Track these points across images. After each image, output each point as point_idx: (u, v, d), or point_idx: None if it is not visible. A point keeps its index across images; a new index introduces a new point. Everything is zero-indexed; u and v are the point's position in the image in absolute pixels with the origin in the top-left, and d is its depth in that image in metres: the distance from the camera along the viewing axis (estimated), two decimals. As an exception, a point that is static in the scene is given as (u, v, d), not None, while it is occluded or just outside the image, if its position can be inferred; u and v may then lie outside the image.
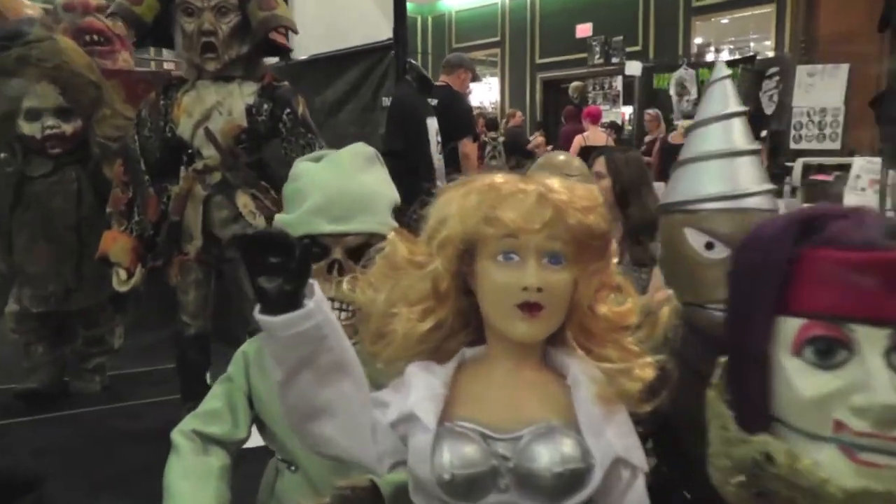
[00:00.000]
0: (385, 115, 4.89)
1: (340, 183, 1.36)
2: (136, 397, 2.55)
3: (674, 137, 7.78)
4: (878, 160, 7.01)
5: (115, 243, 2.17)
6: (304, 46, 5.14)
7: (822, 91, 8.55)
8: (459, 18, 11.23)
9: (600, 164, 2.83)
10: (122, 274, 2.17)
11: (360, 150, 1.46)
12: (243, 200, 2.19)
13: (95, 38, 3.22)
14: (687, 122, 7.80)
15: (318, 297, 0.95)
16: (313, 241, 1.31)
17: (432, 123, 5.26)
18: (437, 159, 5.27)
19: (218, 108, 2.15)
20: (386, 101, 4.98)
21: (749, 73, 8.82)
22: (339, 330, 0.98)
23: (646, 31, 9.89)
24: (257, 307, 0.95)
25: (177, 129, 2.15)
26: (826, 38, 8.70)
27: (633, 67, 9.30)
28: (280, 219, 1.35)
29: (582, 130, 8.76)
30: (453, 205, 1.03)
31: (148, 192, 2.20)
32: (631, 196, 2.72)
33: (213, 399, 1.40)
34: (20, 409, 2.45)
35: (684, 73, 9.42)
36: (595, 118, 8.91)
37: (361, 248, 1.31)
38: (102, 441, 2.28)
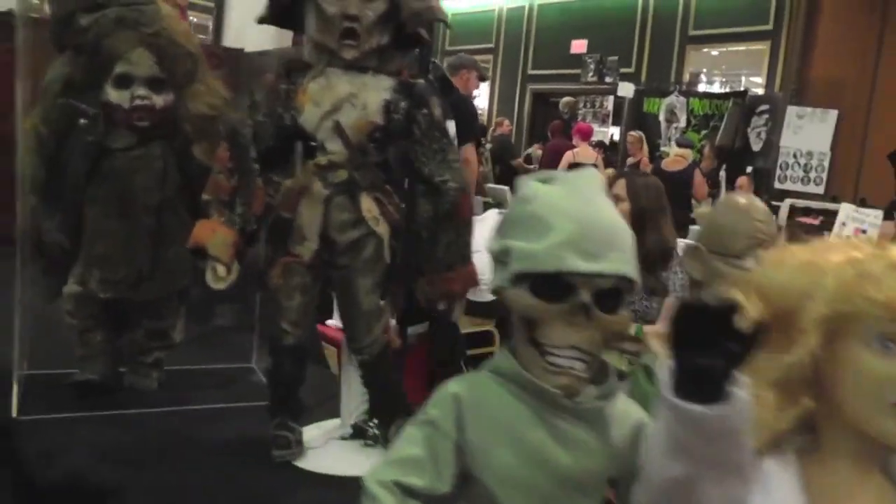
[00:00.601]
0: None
1: (589, 213, 1.15)
2: (200, 400, 2.27)
3: (667, 164, 7.70)
4: (866, 210, 7.07)
5: (214, 235, 1.91)
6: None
7: (810, 134, 8.62)
8: (454, 22, 11.02)
9: (620, 187, 2.75)
10: (221, 270, 1.92)
11: (594, 176, 1.26)
12: (367, 204, 1.95)
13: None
14: (678, 150, 7.83)
15: (741, 381, 0.75)
16: (557, 278, 1.11)
17: (451, 126, 5.07)
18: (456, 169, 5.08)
19: (351, 100, 1.89)
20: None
21: (739, 107, 8.85)
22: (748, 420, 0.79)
23: (640, 53, 9.84)
24: (667, 386, 0.74)
25: (299, 117, 1.90)
26: (817, 81, 8.77)
27: (626, 89, 9.24)
28: (521, 250, 1.14)
29: (569, 146, 8.69)
30: (815, 277, 0.86)
31: (255, 183, 1.95)
32: (648, 222, 2.63)
33: (412, 445, 1.17)
34: (73, 402, 2.15)
35: (675, 100, 9.42)
36: (586, 135, 8.83)
37: (610, 293, 1.12)
38: (172, 448, 2.01)
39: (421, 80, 2.05)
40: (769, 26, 8.94)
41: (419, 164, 1.98)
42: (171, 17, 2.10)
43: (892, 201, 5.86)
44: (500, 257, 1.18)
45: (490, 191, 7.23)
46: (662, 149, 9.34)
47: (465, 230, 2.02)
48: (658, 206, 2.73)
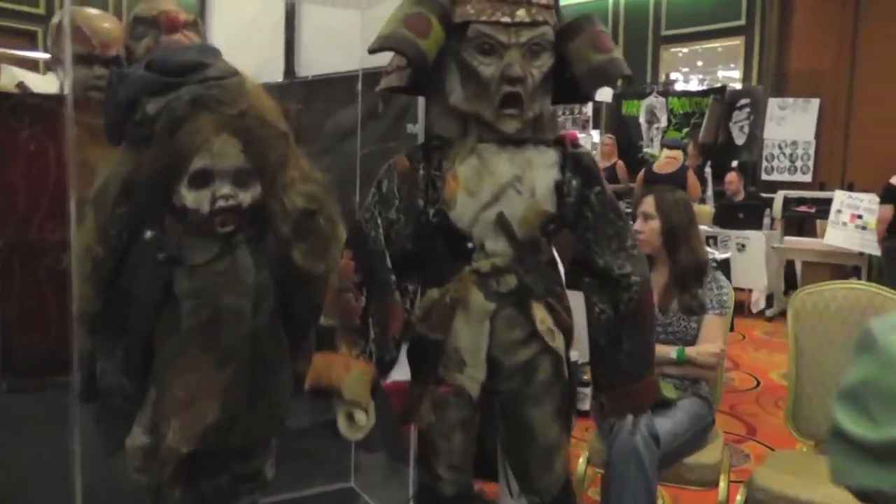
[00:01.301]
0: (412, 143, 4.24)
1: None
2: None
3: (659, 167, 7.35)
4: (860, 196, 6.86)
5: (349, 374, 1.42)
6: (313, 63, 4.43)
7: (793, 124, 8.41)
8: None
9: (648, 205, 2.57)
10: (361, 417, 1.44)
11: None
12: (540, 315, 1.47)
13: (187, 60, 2.40)
14: (669, 152, 7.51)
15: None
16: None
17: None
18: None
19: (515, 184, 1.43)
20: (412, 128, 4.32)
21: (719, 103, 8.60)
22: None
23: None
24: None
25: (450, 211, 1.43)
26: (796, 72, 8.56)
27: (604, 93, 8.92)
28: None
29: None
30: None
31: (393, 299, 1.47)
32: (680, 239, 2.51)
33: None
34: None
35: (654, 100, 9.13)
36: (573, 144, 8.43)
37: None
38: None
39: (584, 147, 1.59)
40: (742, 22, 8.84)
41: (593, 255, 1.52)
42: (256, 92, 1.60)
43: (889, 185, 5.64)
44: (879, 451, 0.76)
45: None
46: (645, 150, 9.07)
47: (651, 332, 1.58)
48: (688, 221, 2.57)
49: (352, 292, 1.45)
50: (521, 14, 1.41)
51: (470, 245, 1.45)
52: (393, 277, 1.47)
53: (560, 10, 1.49)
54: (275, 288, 1.64)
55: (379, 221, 1.47)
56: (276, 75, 4.31)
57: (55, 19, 2.41)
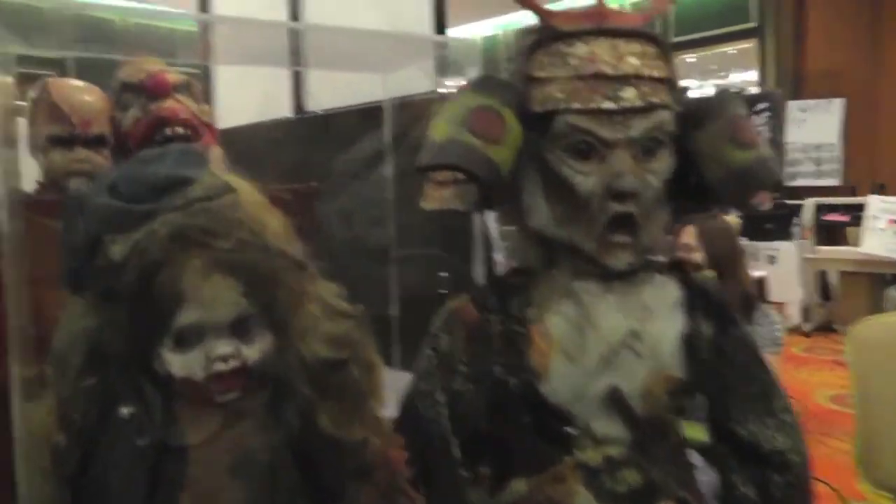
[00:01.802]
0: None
1: None
2: None
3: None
4: (893, 199, 6.45)
5: None
6: (318, 99, 4.02)
7: (815, 126, 7.95)
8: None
9: (689, 235, 2.40)
10: None
11: None
12: None
13: (179, 131, 1.97)
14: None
15: None
16: None
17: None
18: (494, 228, 4.26)
19: (632, 344, 0.99)
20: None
21: (736, 108, 8.06)
22: None
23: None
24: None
25: (540, 383, 0.99)
26: (814, 73, 8.10)
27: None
28: None
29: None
30: None
31: (463, 501, 1.04)
32: (725, 271, 2.32)
33: None
34: None
35: (668, 108, 8.65)
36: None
37: None
38: None
39: (708, 275, 1.15)
40: (754, 24, 8.36)
41: (732, 424, 1.08)
42: (258, 210, 1.17)
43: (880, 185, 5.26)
44: None
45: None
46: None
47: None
48: (733, 250, 2.42)
49: (406, 497, 1.02)
50: (630, 96, 0.97)
51: (572, 429, 1.01)
52: (463, 474, 1.04)
53: (678, 84, 1.04)
54: (296, 465, 1.21)
55: (439, 397, 1.03)
56: (284, 111, 3.92)
57: (31, 93, 2.00)
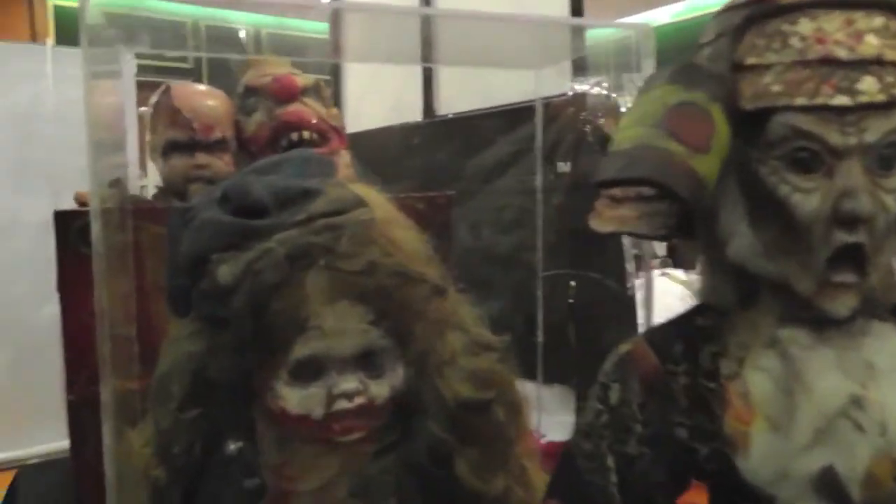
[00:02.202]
0: (561, 183, 3.59)
1: None
2: None
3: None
4: None
5: None
6: (448, 102, 3.86)
7: None
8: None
9: None
10: None
11: None
12: None
13: (306, 135, 1.84)
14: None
15: None
16: None
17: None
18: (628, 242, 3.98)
19: (853, 413, 0.75)
20: (562, 167, 3.68)
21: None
22: None
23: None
24: None
25: (738, 457, 0.77)
26: None
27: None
28: None
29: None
30: None
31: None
32: None
33: None
34: None
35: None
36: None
37: None
38: None
39: None
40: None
41: None
42: (392, 229, 1.00)
43: None
44: None
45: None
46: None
47: None
48: None
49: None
50: (869, 88, 0.72)
51: None
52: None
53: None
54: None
55: (609, 463, 0.82)
56: (415, 115, 3.81)
57: (153, 98, 1.94)
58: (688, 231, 0.87)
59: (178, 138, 1.82)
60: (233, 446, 0.98)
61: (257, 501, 0.98)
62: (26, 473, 1.89)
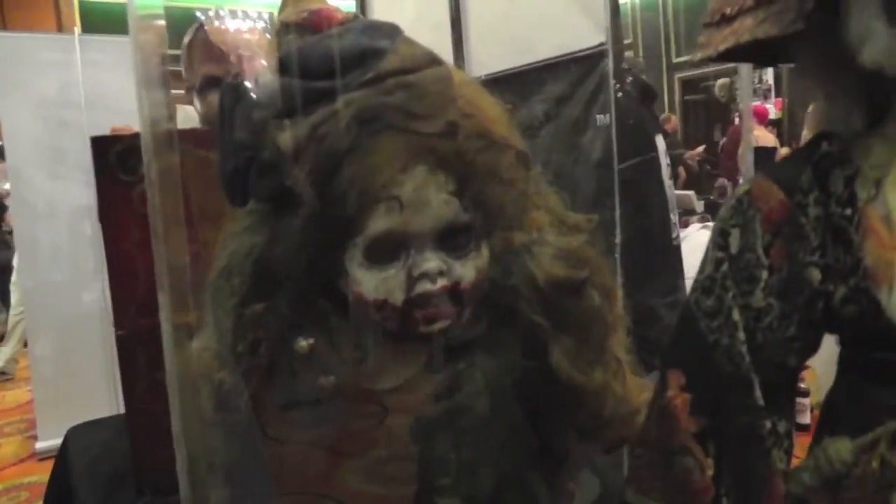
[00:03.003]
0: (600, 136, 3.45)
1: None
2: None
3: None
4: None
5: None
6: (482, 62, 3.71)
7: None
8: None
9: None
10: None
11: None
12: None
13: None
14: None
15: None
16: None
17: (660, 142, 3.84)
18: (669, 186, 3.86)
19: None
20: (601, 119, 3.54)
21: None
22: None
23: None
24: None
25: (880, 292, 0.64)
26: None
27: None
28: None
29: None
30: None
31: (767, 465, 0.70)
32: None
33: None
34: None
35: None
36: (762, 118, 7.33)
37: None
38: None
39: None
40: None
41: None
42: (471, 90, 0.87)
43: None
44: None
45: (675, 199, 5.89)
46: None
47: None
48: None
49: (692, 457, 0.69)
50: None
51: None
52: (768, 424, 0.70)
53: None
54: (523, 420, 0.91)
55: (735, 317, 0.70)
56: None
57: (187, 37, 1.83)
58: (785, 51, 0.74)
59: (214, 73, 1.72)
60: (303, 342, 0.86)
61: (331, 402, 0.86)
62: (76, 431, 1.81)
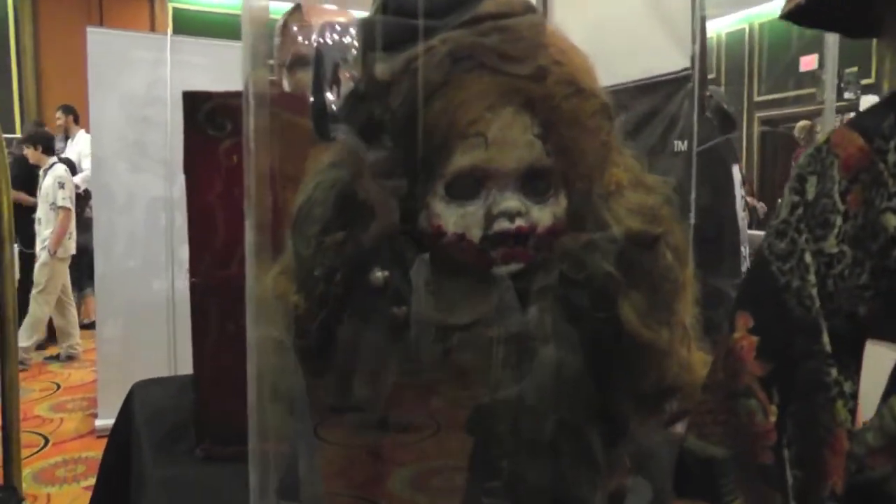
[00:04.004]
0: (680, 162, 3.43)
1: None
2: None
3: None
4: None
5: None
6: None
7: None
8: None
9: None
10: None
11: None
12: None
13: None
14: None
15: None
16: None
17: (737, 173, 3.80)
18: (742, 218, 3.80)
19: None
20: (680, 145, 3.52)
21: None
22: None
23: (881, 61, 8.01)
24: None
25: None
26: None
27: (870, 102, 7.49)
28: None
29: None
30: None
31: (832, 415, 0.70)
32: None
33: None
34: None
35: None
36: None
37: None
38: None
39: None
40: None
41: None
42: (561, 40, 0.90)
43: None
44: None
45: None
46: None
47: None
48: None
49: (755, 398, 0.70)
50: None
51: None
52: (833, 372, 0.70)
53: None
54: (589, 369, 0.92)
55: (808, 259, 0.71)
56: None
57: (282, 18, 1.92)
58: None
59: (304, 52, 1.79)
60: (379, 274, 0.89)
61: (402, 333, 0.89)
62: (142, 386, 1.87)
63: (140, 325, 4.35)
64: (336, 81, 0.87)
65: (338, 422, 1.01)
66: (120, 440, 1.74)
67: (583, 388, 0.91)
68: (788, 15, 0.83)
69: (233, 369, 1.46)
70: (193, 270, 1.40)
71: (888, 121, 0.71)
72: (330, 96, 0.91)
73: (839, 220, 0.71)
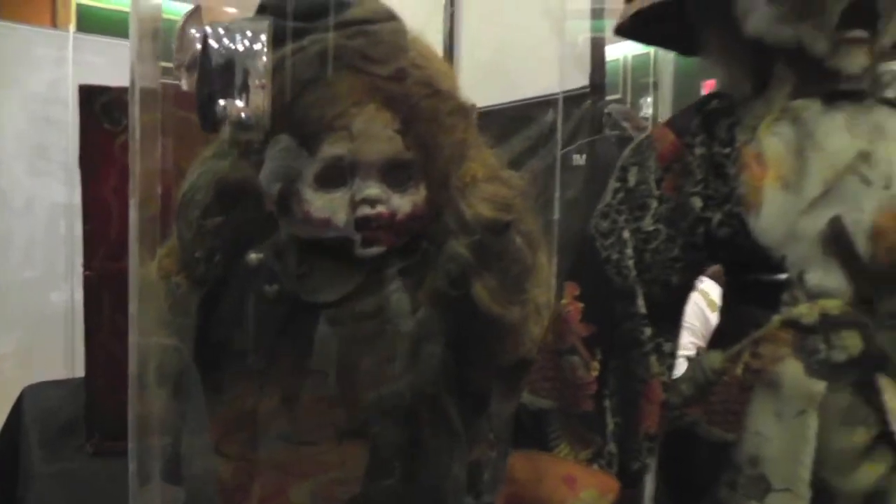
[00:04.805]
0: (577, 176, 3.63)
1: None
2: None
3: None
4: None
5: (575, 494, 0.81)
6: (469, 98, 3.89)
7: None
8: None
9: None
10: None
11: None
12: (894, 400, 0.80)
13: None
14: None
15: None
16: None
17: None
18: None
19: (861, 168, 0.77)
20: (578, 159, 3.73)
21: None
22: None
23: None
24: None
25: (750, 216, 0.79)
26: None
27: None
28: None
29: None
30: None
31: (646, 369, 0.84)
32: None
33: None
34: None
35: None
36: None
37: None
38: None
39: None
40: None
41: None
42: (422, 46, 1.03)
43: None
44: None
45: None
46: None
47: None
48: None
49: (579, 356, 0.83)
50: None
51: (782, 276, 0.80)
52: (648, 331, 0.84)
53: None
54: (446, 345, 1.04)
55: (626, 236, 0.85)
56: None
57: (180, 22, 1.99)
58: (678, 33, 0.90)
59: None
60: (254, 256, 0.99)
61: (276, 310, 0.99)
62: (33, 388, 1.89)
63: (37, 339, 4.23)
64: (245, 88, 0.97)
65: (237, 437, 1.07)
66: (9, 438, 1.76)
67: (442, 361, 1.02)
68: (619, 31, 0.97)
69: (124, 363, 1.53)
70: (87, 263, 1.45)
71: (695, 121, 0.86)
72: (239, 103, 1.00)
73: (655, 203, 0.85)
